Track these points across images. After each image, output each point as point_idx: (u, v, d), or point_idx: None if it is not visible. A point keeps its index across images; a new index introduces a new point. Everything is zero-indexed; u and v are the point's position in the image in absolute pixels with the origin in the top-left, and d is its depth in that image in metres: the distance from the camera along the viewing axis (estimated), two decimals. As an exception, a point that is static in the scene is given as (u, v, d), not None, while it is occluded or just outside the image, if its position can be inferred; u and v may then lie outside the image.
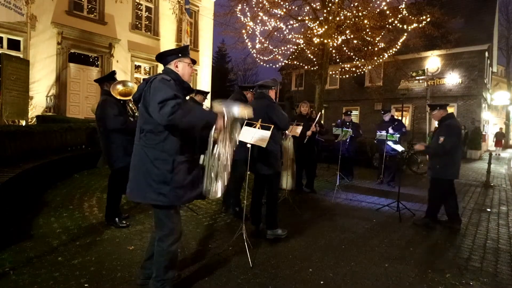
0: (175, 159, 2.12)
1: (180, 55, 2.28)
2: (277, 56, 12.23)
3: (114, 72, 3.93)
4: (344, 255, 3.28)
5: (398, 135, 6.99)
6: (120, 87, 3.71)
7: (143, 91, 2.16)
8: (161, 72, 2.29)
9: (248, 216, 4.20)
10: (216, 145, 2.17)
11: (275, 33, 11.89)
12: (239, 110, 2.17)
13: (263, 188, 3.80)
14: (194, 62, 2.41)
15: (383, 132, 6.83)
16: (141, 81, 13.92)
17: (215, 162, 2.19)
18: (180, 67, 2.28)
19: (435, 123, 4.70)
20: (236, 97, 4.32)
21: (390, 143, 6.71)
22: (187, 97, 2.70)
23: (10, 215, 3.66)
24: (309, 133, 5.63)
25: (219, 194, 2.25)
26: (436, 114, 4.45)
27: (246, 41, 11.84)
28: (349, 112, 7.83)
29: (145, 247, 3.12)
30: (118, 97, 3.68)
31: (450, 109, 17.15)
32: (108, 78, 3.83)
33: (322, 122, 6.20)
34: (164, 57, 2.31)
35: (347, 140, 7.36)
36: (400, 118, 7.92)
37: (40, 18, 10.25)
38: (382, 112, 7.68)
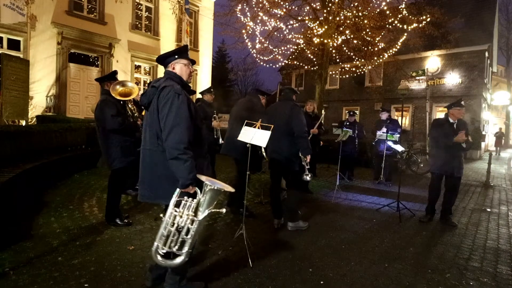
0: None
1: (176, 56, 2.28)
2: (277, 56, 12.22)
3: (115, 72, 3.93)
4: (344, 255, 3.28)
5: (398, 135, 7.00)
6: (119, 88, 3.71)
7: (153, 98, 2.17)
8: (166, 79, 2.24)
9: (254, 213, 4.47)
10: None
11: (275, 33, 11.88)
12: (222, 185, 2.09)
13: (279, 183, 4.11)
14: (193, 62, 2.40)
15: (382, 132, 6.84)
16: (142, 82, 13.86)
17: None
18: (177, 68, 2.28)
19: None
20: (253, 100, 4.37)
21: (390, 143, 6.72)
22: (194, 100, 2.70)
23: (10, 215, 3.65)
24: (314, 130, 5.65)
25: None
26: (463, 112, 4.51)
27: (246, 41, 11.84)
28: (352, 113, 7.84)
29: (145, 247, 3.13)
30: (118, 98, 3.68)
31: (450, 109, 17.25)
32: (109, 78, 3.83)
33: (322, 122, 6.19)
34: (163, 60, 2.32)
35: (356, 140, 7.41)
36: (398, 118, 7.95)
37: (40, 18, 10.25)
38: (381, 109, 7.72)
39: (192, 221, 2.02)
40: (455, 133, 4.34)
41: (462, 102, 4.54)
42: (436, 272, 3.02)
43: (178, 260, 2.02)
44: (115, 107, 3.60)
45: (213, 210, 2.05)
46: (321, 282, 2.69)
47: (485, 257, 3.44)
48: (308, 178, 3.75)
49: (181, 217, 2.01)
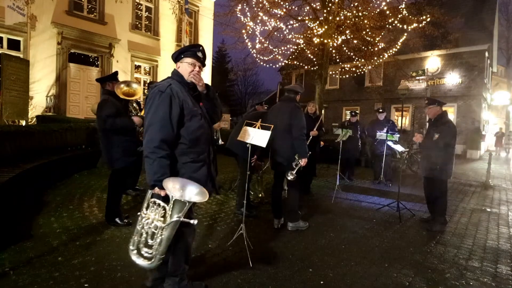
0: (178, 160, 2.14)
1: (182, 56, 2.25)
2: (277, 56, 12.22)
3: (116, 73, 3.95)
4: (344, 255, 3.28)
5: (398, 135, 7.00)
6: (124, 87, 3.75)
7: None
8: (167, 78, 2.27)
9: (254, 213, 4.46)
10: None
11: (275, 33, 11.89)
12: (195, 194, 1.90)
13: (281, 183, 4.11)
14: (201, 63, 2.28)
15: (383, 132, 6.84)
16: (142, 82, 13.86)
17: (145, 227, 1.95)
18: (181, 67, 2.26)
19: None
20: (263, 115, 4.48)
21: (390, 143, 6.71)
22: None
23: (10, 215, 3.66)
24: (314, 132, 5.60)
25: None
26: (432, 110, 4.37)
27: (246, 41, 11.84)
28: (354, 113, 7.83)
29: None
30: (122, 96, 3.69)
31: (450, 109, 17.27)
32: (110, 78, 3.84)
33: (322, 123, 6.13)
34: (173, 59, 2.33)
35: (359, 141, 7.43)
36: (398, 118, 7.96)
37: (40, 18, 10.26)
38: (380, 110, 7.71)
39: (157, 227, 1.89)
40: (434, 131, 4.31)
41: (426, 102, 4.52)
42: (436, 272, 3.02)
43: (145, 262, 1.91)
44: (114, 108, 3.60)
45: (181, 219, 1.86)
46: (321, 282, 2.69)
47: (485, 257, 3.44)
48: (290, 177, 3.70)
49: (148, 219, 1.93)
